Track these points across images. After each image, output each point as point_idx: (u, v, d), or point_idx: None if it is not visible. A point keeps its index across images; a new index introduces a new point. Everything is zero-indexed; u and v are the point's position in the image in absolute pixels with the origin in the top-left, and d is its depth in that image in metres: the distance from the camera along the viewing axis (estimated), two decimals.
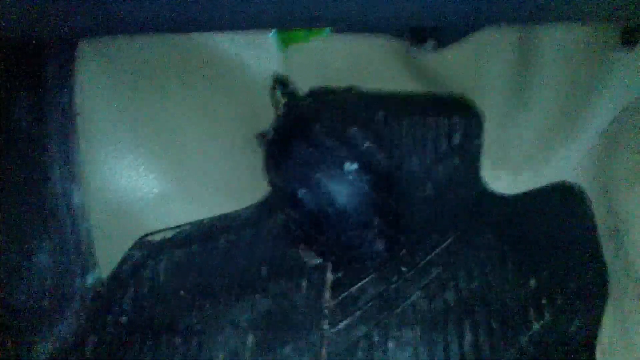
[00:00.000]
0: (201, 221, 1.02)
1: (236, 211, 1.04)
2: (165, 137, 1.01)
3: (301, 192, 0.93)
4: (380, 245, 0.96)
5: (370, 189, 0.93)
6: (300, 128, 0.97)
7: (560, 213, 1.08)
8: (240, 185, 1.08)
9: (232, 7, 0.69)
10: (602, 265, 1.01)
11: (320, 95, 1.08)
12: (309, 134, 0.95)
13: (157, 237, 1.00)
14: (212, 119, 1.06)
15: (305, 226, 0.96)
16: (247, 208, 1.05)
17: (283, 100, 1.03)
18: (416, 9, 0.71)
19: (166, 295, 0.96)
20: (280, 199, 0.99)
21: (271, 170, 0.99)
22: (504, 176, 1.11)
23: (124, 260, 0.98)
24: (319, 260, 1.00)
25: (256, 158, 1.03)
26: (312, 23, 0.86)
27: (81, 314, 0.93)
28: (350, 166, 0.92)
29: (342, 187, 0.93)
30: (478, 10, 0.74)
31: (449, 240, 1.05)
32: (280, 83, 1.03)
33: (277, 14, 0.72)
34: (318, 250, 0.98)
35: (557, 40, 1.03)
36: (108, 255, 0.97)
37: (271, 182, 1.01)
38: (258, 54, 1.07)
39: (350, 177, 0.93)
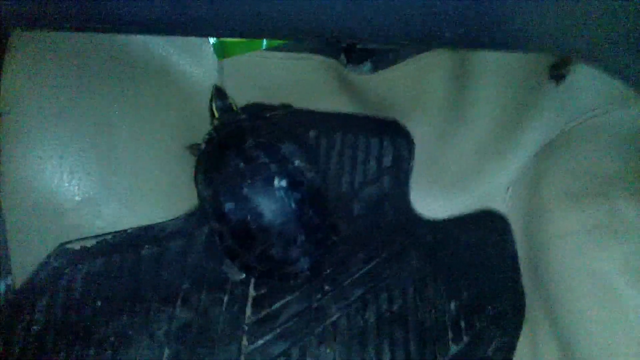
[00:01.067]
0: (125, 231, 1.00)
1: (163, 222, 1.03)
2: (95, 139, 0.99)
3: (227, 206, 0.93)
4: (304, 263, 0.96)
5: (297, 207, 0.94)
6: (232, 142, 0.97)
7: (483, 240, 1.10)
8: (170, 195, 1.06)
9: (170, 11, 0.68)
10: (520, 292, 1.04)
11: (255, 111, 1.08)
12: (240, 148, 0.95)
13: (77, 246, 0.97)
14: (146, 124, 1.04)
15: (229, 241, 0.96)
16: (174, 219, 1.04)
17: (218, 113, 1.02)
18: (356, 25, 0.71)
19: (82, 306, 0.94)
20: (206, 211, 0.98)
21: (200, 182, 0.99)
22: (432, 201, 1.13)
23: (39, 268, 0.95)
24: (242, 276, 1.00)
25: (189, 168, 1.03)
26: (251, 33, 0.85)
27: None
28: (279, 182, 0.93)
29: (269, 203, 0.93)
30: (418, 33, 0.74)
31: (374, 262, 1.06)
32: (219, 95, 1.02)
33: (215, 21, 0.71)
34: (242, 265, 0.98)
35: (491, 69, 1.05)
36: (23, 262, 0.94)
37: (199, 194, 1.00)
38: (197, 62, 1.07)
39: (278, 194, 0.93)
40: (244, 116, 1.03)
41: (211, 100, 1.02)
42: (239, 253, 0.96)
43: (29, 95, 0.93)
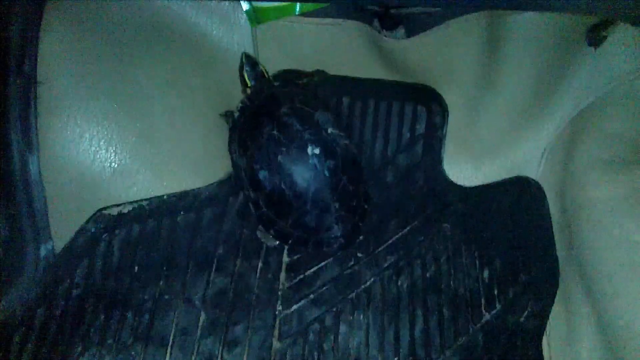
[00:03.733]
0: (161, 197, 1.01)
1: (198, 189, 1.04)
2: (130, 108, 0.99)
3: (262, 174, 0.93)
4: (338, 231, 0.95)
5: (330, 175, 0.93)
6: (266, 109, 0.96)
7: (517, 207, 1.10)
8: (204, 163, 1.07)
9: None
10: (554, 259, 1.04)
11: (288, 77, 1.07)
12: (274, 116, 0.94)
13: (114, 211, 0.99)
14: (180, 92, 1.05)
15: (264, 208, 0.96)
16: (208, 186, 1.05)
17: (250, 81, 1.02)
18: None
19: (120, 270, 0.95)
20: (241, 179, 0.98)
21: (234, 149, 0.99)
22: (465, 168, 1.13)
23: (78, 233, 0.97)
24: (276, 243, 1.00)
25: (222, 135, 1.02)
26: None
27: (31, 285, 0.92)
28: (313, 150, 0.92)
29: (303, 170, 0.92)
30: None
31: (407, 229, 1.06)
32: (249, 63, 1.01)
33: None
34: (276, 232, 0.98)
35: (524, 34, 1.03)
36: (63, 227, 0.96)
37: (233, 162, 1.00)
38: (230, 29, 1.06)
39: (312, 162, 0.92)
40: (277, 83, 1.03)
41: (241, 69, 1.01)
42: (274, 220, 0.96)
43: (66, 64, 0.94)
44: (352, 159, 0.98)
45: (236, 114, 0.99)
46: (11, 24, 0.88)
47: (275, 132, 0.93)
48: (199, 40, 1.05)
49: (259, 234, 1.01)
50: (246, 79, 1.01)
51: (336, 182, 0.94)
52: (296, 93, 1.00)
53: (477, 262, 1.04)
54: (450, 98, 1.13)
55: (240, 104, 1.00)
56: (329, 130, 0.95)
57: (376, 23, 1.07)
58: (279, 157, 0.92)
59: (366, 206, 1.01)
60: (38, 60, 0.91)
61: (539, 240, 1.06)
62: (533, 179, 1.11)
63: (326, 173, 0.93)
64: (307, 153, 0.92)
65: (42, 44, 0.91)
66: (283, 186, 0.92)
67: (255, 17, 1.06)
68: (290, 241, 0.98)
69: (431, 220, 1.07)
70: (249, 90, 1.02)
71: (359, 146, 1.10)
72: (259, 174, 0.93)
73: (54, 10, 0.92)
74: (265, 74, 1.03)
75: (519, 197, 1.10)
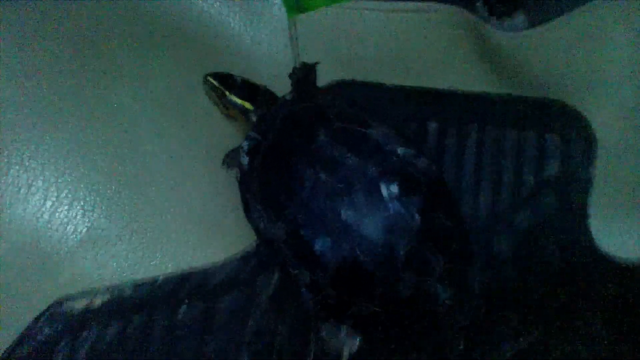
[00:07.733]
0: (153, 280, 0.73)
1: (210, 266, 0.75)
2: (107, 143, 0.75)
3: (319, 243, 0.64)
4: (444, 291, 0.66)
5: (422, 217, 0.65)
6: (293, 142, 0.68)
7: None
8: (220, 227, 0.79)
9: None
10: None
11: (301, 85, 0.77)
12: (311, 150, 0.66)
13: (80, 303, 0.71)
14: (184, 120, 0.79)
15: (329, 290, 0.67)
16: (226, 261, 0.76)
17: (243, 103, 0.74)
18: None
19: None
20: (278, 254, 0.68)
21: (256, 213, 0.69)
22: (627, 233, 0.80)
23: (22, 338, 0.69)
24: (355, 342, 0.70)
25: None
26: None
27: None
28: (389, 189, 0.64)
29: (383, 221, 0.64)
30: None
31: (534, 336, 0.75)
32: (221, 80, 0.74)
33: None
34: (356, 320, 0.68)
35: None
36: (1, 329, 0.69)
37: (259, 232, 0.70)
38: (255, 22, 0.81)
39: (393, 206, 0.64)
40: (288, 97, 0.74)
41: (217, 93, 0.74)
42: (347, 303, 0.67)
43: (8, 76, 0.72)
44: (439, 183, 0.70)
45: (244, 159, 0.70)
46: None
47: (321, 175, 0.65)
48: (209, 41, 0.79)
49: (325, 334, 0.72)
50: (236, 101, 0.74)
51: (431, 226, 0.66)
52: (328, 105, 0.71)
53: None
54: (601, 120, 0.82)
55: (246, 143, 0.70)
56: (399, 152, 0.67)
57: (481, 6, 0.80)
58: (342, 213, 0.64)
59: (470, 247, 0.70)
60: None
61: None
62: None
63: (416, 217, 0.65)
64: (381, 195, 0.65)
65: None
66: (358, 253, 0.64)
67: (296, 4, 0.79)
68: (369, 329, 0.68)
69: (572, 316, 0.74)
70: (252, 116, 0.73)
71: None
72: (314, 244, 0.65)
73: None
74: (248, 81, 0.75)
75: None
